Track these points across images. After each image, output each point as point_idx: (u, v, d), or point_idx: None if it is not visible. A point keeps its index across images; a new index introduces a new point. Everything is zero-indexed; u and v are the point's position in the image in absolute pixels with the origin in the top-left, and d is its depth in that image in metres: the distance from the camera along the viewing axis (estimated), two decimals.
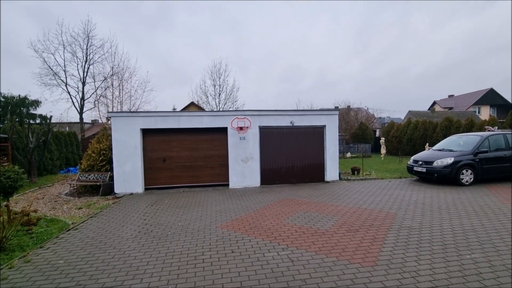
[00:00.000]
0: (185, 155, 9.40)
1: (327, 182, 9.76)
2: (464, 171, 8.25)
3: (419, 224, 4.88)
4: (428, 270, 3.24)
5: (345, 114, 29.26)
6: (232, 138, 9.35)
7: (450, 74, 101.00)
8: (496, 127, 11.57)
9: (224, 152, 9.47)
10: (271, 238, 4.47)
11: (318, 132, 9.92)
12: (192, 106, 22.86)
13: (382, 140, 19.28)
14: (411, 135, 19.37)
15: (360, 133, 23.94)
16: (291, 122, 9.58)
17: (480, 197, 6.80)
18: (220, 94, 23.19)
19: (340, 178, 10.13)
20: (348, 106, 32.62)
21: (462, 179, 8.22)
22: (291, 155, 9.71)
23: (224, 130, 9.38)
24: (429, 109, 38.84)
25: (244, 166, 9.37)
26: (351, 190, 8.23)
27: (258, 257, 3.77)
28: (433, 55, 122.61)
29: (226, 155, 9.42)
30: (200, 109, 22.18)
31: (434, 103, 40.38)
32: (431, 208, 5.89)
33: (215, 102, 23.24)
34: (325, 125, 9.88)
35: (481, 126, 14.61)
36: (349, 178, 10.39)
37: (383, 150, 18.40)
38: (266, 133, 9.58)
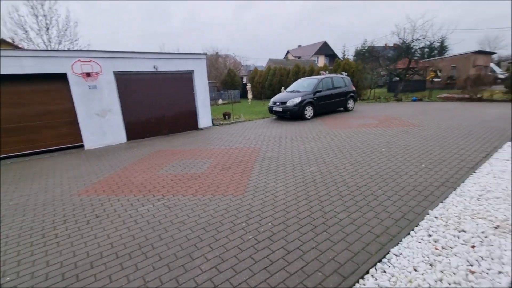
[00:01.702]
0: (7, 113, 6.78)
1: (201, 129, 9.87)
2: (307, 107, 10.35)
3: (277, 153, 5.86)
4: (282, 186, 4.01)
5: (214, 61, 29.21)
6: (77, 87, 7.42)
7: (303, 25, 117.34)
8: (327, 72, 14.85)
9: (69, 105, 7.47)
10: (144, 192, 4.17)
11: (186, 78, 9.43)
12: (3, 44, 15.97)
13: (249, 86, 20.96)
14: (271, 81, 22.02)
15: (229, 80, 24.90)
16: (154, 67, 8.53)
17: (317, 126, 8.87)
18: (48, 29, 17.06)
19: (213, 124, 10.46)
20: (217, 53, 32.54)
21: (306, 114, 10.35)
22: (159, 104, 8.92)
23: (62, 77, 7.24)
24: (284, 57, 44.75)
25: (102, 121, 7.88)
26: (223, 133, 8.71)
27: (131, 213, 3.46)
28: (292, 5, 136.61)
29: (73, 109, 7.49)
30: (17, 48, 15.90)
31: (288, 52, 46.78)
32: (285, 140, 7.17)
33: (43, 40, 17.11)
34: (193, 71, 9.46)
35: (318, 72, 18.39)
36: (221, 123, 10.91)
37: (250, 95, 20.19)
38: (124, 80, 8.17)
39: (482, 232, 2.59)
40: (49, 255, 2.68)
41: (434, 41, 19.57)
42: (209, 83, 10.32)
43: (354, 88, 12.39)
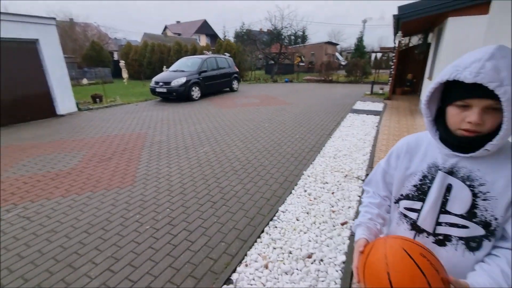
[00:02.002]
0: None
1: (62, 115, 7.91)
2: (193, 88, 10.10)
3: (167, 137, 5.52)
4: (177, 169, 3.87)
5: (69, 30, 23.36)
6: None
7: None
8: (210, 52, 14.82)
9: None
10: None
11: (28, 50, 7.14)
12: None
13: (122, 63, 18.17)
14: (150, 58, 19.89)
15: (94, 54, 20.66)
16: None
17: (205, 107, 8.86)
18: None
19: (79, 109, 8.58)
20: (71, 19, 26.07)
21: (193, 95, 10.10)
22: None
23: None
24: (162, 33, 41.06)
25: None
26: (96, 119, 7.34)
27: None
28: None
29: None
30: None
31: (166, 27, 43.14)
32: (174, 122, 6.82)
33: None
34: (37, 40, 7.24)
35: (201, 51, 18.06)
36: (91, 107, 9.09)
37: (125, 74, 17.60)
38: None
39: (338, 181, 3.43)
40: None
41: (298, 30, 22.91)
42: (65, 57, 8.19)
43: (237, 69, 13.01)
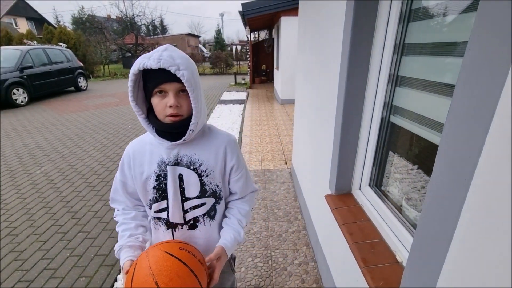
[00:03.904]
0: None
1: None
2: (15, 90, 7.54)
3: None
4: (3, 210, 2.81)
5: None
6: None
7: None
8: (35, 42, 11.44)
9: None
10: None
11: None
12: None
13: None
14: None
15: None
16: None
17: (40, 114, 6.85)
18: None
19: None
20: None
21: (16, 99, 7.54)
22: None
23: None
24: None
25: None
26: None
27: None
28: None
29: None
30: None
31: None
32: None
33: None
34: None
35: (20, 40, 13.61)
36: None
37: None
38: None
39: None
40: None
41: (154, 19, 21.31)
42: None
43: (81, 64, 10.72)
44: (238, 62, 18.93)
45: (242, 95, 9.13)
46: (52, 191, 3.10)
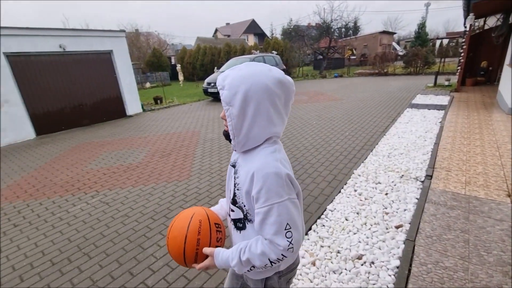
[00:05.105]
0: None
1: (130, 116, 9.00)
2: None
3: (218, 135, 5.86)
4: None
5: (135, 40, 26.22)
6: None
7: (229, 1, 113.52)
8: (258, 51, 15.08)
9: None
10: (73, 191, 3.69)
11: (105, 60, 8.30)
12: None
13: (178, 67, 19.70)
14: (202, 61, 21.16)
15: (155, 60, 22.85)
16: (60, 46, 7.21)
17: None
18: None
19: (143, 110, 9.64)
20: (137, 30, 29.19)
21: None
22: (74, 91, 7.70)
23: None
24: (213, 35, 43.17)
25: None
26: (157, 119, 8.16)
27: (60, 216, 3.06)
28: None
29: None
30: None
31: (216, 30, 45.19)
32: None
33: None
34: (111, 50, 8.36)
35: (249, 51, 18.48)
36: (153, 108, 10.13)
37: (180, 77, 19.06)
38: (22, 63, 6.71)
39: (392, 182, 3.22)
40: None
41: (349, 21, 21.70)
42: (132, 64, 9.29)
43: (284, 67, 12.99)
44: (442, 60, 15.42)
45: (443, 99, 7.45)
46: None
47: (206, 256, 0.97)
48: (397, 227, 2.42)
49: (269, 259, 0.85)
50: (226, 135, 0.94)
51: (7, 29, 6.36)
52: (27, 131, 6.92)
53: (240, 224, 0.98)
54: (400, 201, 2.82)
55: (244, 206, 0.92)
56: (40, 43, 6.88)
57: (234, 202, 0.96)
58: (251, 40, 40.49)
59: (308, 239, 2.36)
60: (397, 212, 2.65)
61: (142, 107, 9.62)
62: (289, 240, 0.83)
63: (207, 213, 1.04)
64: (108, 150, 5.36)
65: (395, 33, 33.23)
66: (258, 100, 0.83)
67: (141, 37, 28.38)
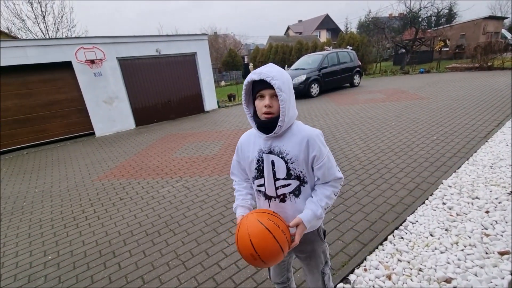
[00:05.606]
0: (14, 104, 6.86)
1: (207, 112, 9.89)
2: (313, 85, 10.22)
3: None
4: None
5: (214, 42, 28.51)
6: (83, 75, 7.42)
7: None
8: (331, 47, 14.46)
9: (76, 94, 7.52)
10: (162, 175, 4.31)
11: (189, 61, 9.32)
12: (2, 36, 15.70)
13: (251, 65, 20.58)
14: (273, 59, 21.56)
15: (230, 60, 24.42)
16: (157, 51, 8.42)
17: (324, 104, 8.82)
18: (44, 16, 16.53)
19: (219, 106, 10.45)
20: (215, 33, 31.69)
21: (312, 92, 10.24)
22: (165, 89, 8.91)
23: (67, 66, 7.23)
24: (285, 34, 43.38)
25: (110, 109, 7.94)
26: (230, 115, 8.74)
27: (153, 195, 3.62)
28: None
29: (80, 97, 7.55)
30: (17, 39, 15.65)
31: (288, 28, 45.24)
32: None
33: (41, 29, 16.64)
34: (196, 52, 9.32)
35: (322, 47, 17.90)
36: (227, 105, 10.89)
37: None
38: (128, 65, 8.12)
39: (496, 198, 2.67)
40: (83, 235, 2.86)
41: (442, 8, 18.70)
42: (211, 63, 10.16)
43: (359, 63, 12.11)
44: None
45: None
46: None
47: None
48: (501, 254, 2.01)
49: (334, 193, 1.16)
50: (269, 122, 1.09)
51: (120, 38, 7.79)
52: (129, 123, 8.37)
53: (297, 191, 1.18)
54: (506, 222, 2.33)
55: (301, 172, 1.14)
56: (142, 48, 8.19)
57: (289, 176, 1.14)
58: (324, 36, 39.04)
59: (383, 250, 2.19)
60: (501, 235, 2.19)
61: (218, 104, 10.45)
62: (341, 172, 1.19)
63: (253, 213, 1.11)
64: (189, 142, 6.03)
65: (506, 17, 27.01)
66: (291, 89, 1.09)
67: (219, 38, 30.66)
